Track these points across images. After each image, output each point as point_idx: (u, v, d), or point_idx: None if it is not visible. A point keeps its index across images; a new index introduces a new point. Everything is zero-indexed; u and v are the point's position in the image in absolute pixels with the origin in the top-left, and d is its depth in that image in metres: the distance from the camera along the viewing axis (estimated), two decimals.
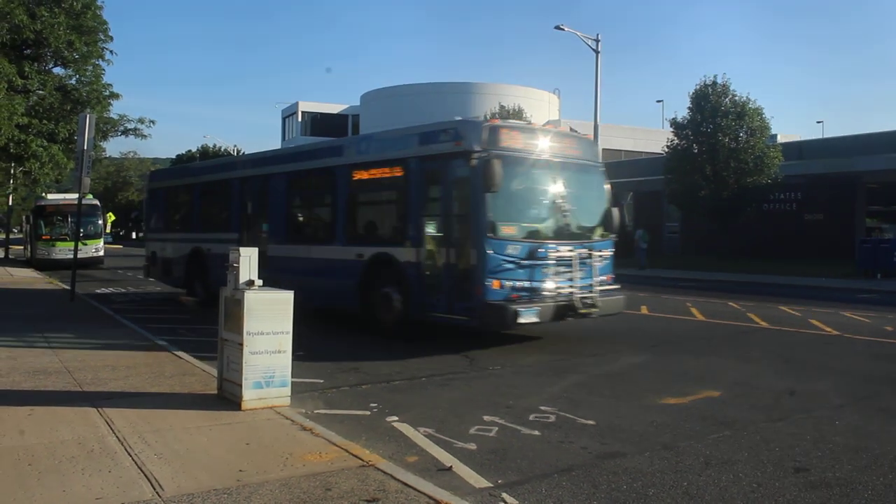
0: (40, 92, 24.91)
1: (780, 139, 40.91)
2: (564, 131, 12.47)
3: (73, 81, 25.88)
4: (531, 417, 7.07)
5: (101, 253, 33.16)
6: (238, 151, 67.05)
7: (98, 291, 20.65)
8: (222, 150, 72.01)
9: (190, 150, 76.99)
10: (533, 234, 10.84)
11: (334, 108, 73.52)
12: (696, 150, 33.24)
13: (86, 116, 16.89)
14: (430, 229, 11.29)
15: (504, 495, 5.05)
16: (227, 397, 7.27)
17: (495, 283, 10.22)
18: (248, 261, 7.35)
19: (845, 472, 5.59)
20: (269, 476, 5.14)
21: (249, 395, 6.95)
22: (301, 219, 15.29)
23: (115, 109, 28.63)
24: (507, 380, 8.98)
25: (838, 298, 19.34)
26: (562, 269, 10.75)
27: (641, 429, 6.74)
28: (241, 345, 6.93)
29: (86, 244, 29.66)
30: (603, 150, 19.74)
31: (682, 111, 35.72)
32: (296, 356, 7.32)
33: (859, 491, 5.19)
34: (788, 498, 5.06)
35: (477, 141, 10.55)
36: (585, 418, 7.04)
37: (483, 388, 8.51)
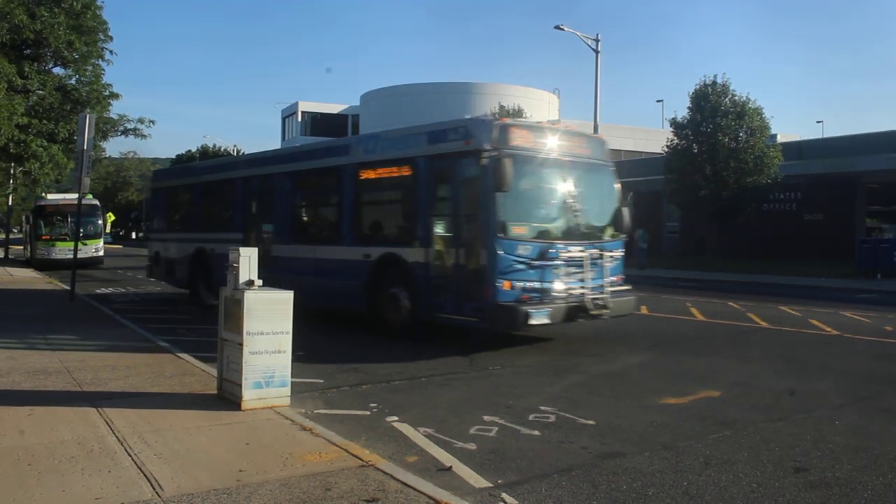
0: (40, 92, 24.89)
1: (780, 139, 40.93)
2: (574, 130, 12.31)
3: (72, 81, 25.86)
4: (531, 417, 7.07)
5: (101, 253, 33.17)
6: (238, 151, 67.06)
7: (98, 291, 20.64)
8: (222, 150, 72.03)
9: (190, 150, 77.05)
10: (543, 234, 10.73)
11: (334, 108, 73.53)
12: (695, 150, 33.26)
13: (85, 116, 16.89)
14: (439, 229, 11.17)
15: (504, 495, 5.05)
16: (226, 397, 7.27)
17: (506, 284, 10.10)
18: (247, 261, 7.34)
19: (845, 472, 5.59)
20: (269, 476, 5.14)
21: (249, 395, 6.95)
22: (306, 219, 15.15)
23: (115, 109, 28.58)
24: (507, 380, 8.98)
25: (838, 298, 19.34)
26: (573, 269, 10.64)
27: (641, 429, 6.74)
28: (241, 345, 6.92)
29: (86, 244, 29.65)
30: None
31: (681, 111, 35.77)
32: (296, 356, 7.32)
33: (859, 491, 5.19)
34: (788, 498, 5.06)
35: (487, 140, 10.43)
36: (585, 418, 7.04)
37: (483, 388, 8.51)
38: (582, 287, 10.62)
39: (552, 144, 11.27)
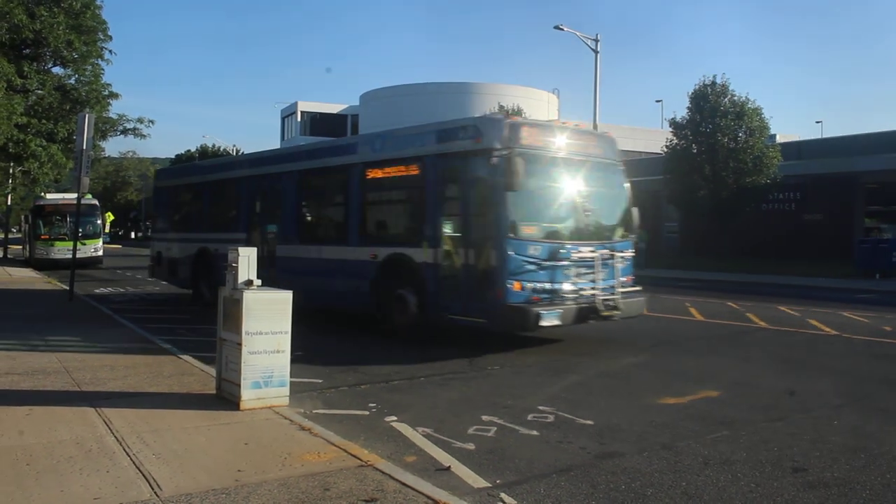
0: (39, 91, 24.88)
1: (779, 139, 40.94)
2: (584, 128, 12.10)
3: (72, 81, 25.85)
4: (530, 417, 7.07)
5: (100, 253, 33.18)
6: (237, 151, 67.06)
7: (97, 291, 20.64)
8: (221, 149, 72.05)
9: (189, 150, 77.12)
10: (554, 235, 10.62)
11: (334, 107, 73.49)
12: (695, 150, 33.27)
13: (85, 116, 16.88)
14: (448, 229, 11.01)
15: (502, 495, 5.05)
16: (225, 397, 7.27)
17: (516, 285, 9.98)
18: (246, 260, 7.34)
19: (843, 471, 5.60)
20: (268, 476, 5.14)
21: (248, 395, 6.95)
22: (312, 218, 14.97)
23: (115, 109, 28.55)
24: (506, 380, 8.98)
25: (837, 298, 19.35)
26: (583, 270, 10.54)
27: (640, 429, 6.74)
28: (240, 345, 6.92)
29: (84, 244, 29.64)
30: None
31: (681, 111, 35.76)
32: (294, 356, 7.33)
33: (857, 491, 5.19)
34: (787, 498, 5.06)
35: (498, 138, 10.33)
36: (584, 418, 7.04)
37: (482, 388, 8.51)
38: (593, 288, 10.53)
39: (563, 143, 11.14)
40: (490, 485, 5.27)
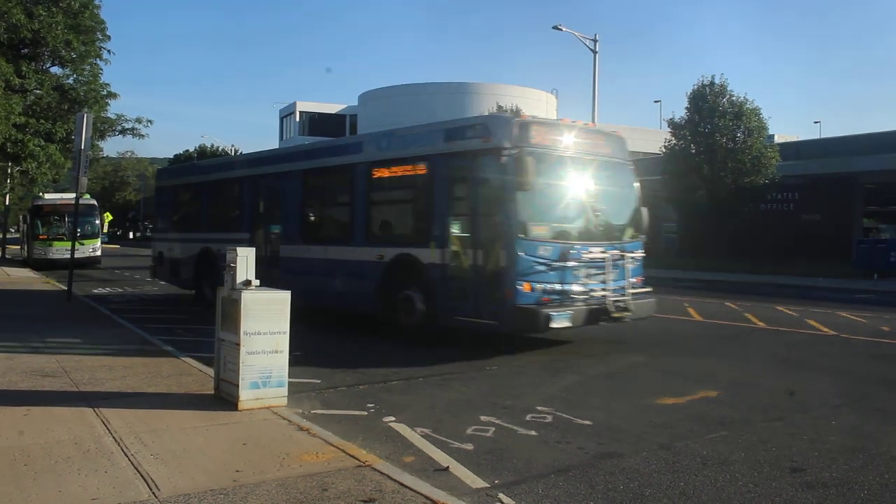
0: (38, 91, 24.86)
1: (778, 139, 41.02)
2: (594, 127, 11.87)
3: (70, 81, 25.82)
4: (528, 418, 7.07)
5: (99, 253, 33.17)
6: (235, 151, 67.00)
7: (95, 291, 20.63)
8: (220, 150, 72.00)
9: (188, 150, 77.03)
10: (564, 235, 10.48)
11: (332, 108, 73.47)
12: (693, 151, 33.30)
13: (83, 116, 16.87)
14: (456, 229, 10.88)
15: (501, 495, 5.05)
16: (223, 397, 7.26)
17: (526, 286, 9.83)
18: (245, 261, 7.33)
19: (842, 471, 5.60)
20: (266, 476, 5.14)
21: (246, 396, 6.94)
22: (316, 218, 14.80)
23: (113, 109, 28.57)
24: (504, 380, 8.98)
25: (835, 298, 19.38)
26: (594, 271, 10.40)
27: (638, 429, 6.74)
28: (238, 345, 6.92)
29: (83, 244, 29.63)
30: None
31: (679, 111, 35.79)
32: (293, 356, 7.33)
33: (855, 491, 5.19)
34: (785, 498, 5.06)
35: (507, 137, 10.19)
36: (582, 418, 7.04)
37: (480, 388, 8.51)
38: (603, 289, 10.40)
39: (573, 142, 10.98)
40: (488, 485, 5.27)
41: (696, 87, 33.84)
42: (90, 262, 31.68)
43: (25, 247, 35.58)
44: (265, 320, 7.00)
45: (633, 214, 11.75)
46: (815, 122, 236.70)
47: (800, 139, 45.23)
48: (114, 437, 6.02)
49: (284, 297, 7.15)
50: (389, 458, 5.72)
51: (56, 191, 38.40)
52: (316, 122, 71.36)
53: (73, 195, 18.70)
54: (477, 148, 10.55)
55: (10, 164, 31.03)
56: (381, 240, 12.35)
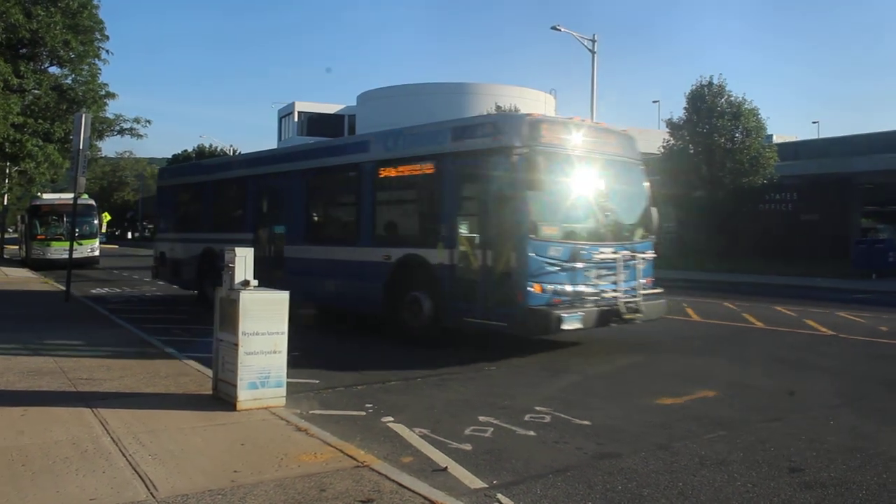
0: (36, 91, 24.86)
1: (776, 139, 41.04)
2: (604, 126, 11.78)
3: (69, 81, 25.83)
4: (526, 418, 7.07)
5: (97, 253, 33.12)
6: (234, 151, 66.95)
7: (93, 292, 20.61)
8: (218, 150, 71.96)
9: (186, 150, 77.02)
10: (575, 235, 10.34)
11: (331, 108, 73.41)
12: (691, 151, 33.33)
13: (81, 116, 16.85)
14: (465, 230, 10.71)
15: (499, 496, 5.05)
16: (222, 398, 7.25)
17: (537, 287, 9.68)
18: (243, 261, 7.33)
19: (840, 471, 5.60)
20: (264, 477, 5.14)
21: (244, 396, 6.94)
22: (322, 218, 14.64)
23: (111, 109, 28.61)
24: (503, 380, 8.98)
25: (833, 298, 19.39)
26: (604, 271, 10.28)
27: (637, 429, 6.74)
28: (237, 345, 6.91)
29: (81, 244, 29.62)
30: None
31: (678, 111, 35.85)
32: (291, 356, 7.32)
33: (853, 491, 5.20)
34: (783, 498, 5.07)
35: (517, 136, 10.05)
36: (581, 419, 7.04)
37: (478, 388, 8.50)
38: (614, 290, 10.29)
39: (584, 141, 10.77)
40: (487, 485, 5.27)
41: (694, 87, 33.92)
42: (88, 263, 31.64)
43: (24, 247, 35.56)
44: (263, 321, 6.99)
45: (644, 214, 11.60)
46: (814, 123, 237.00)
47: (798, 139, 45.26)
48: (112, 438, 6.02)
49: (283, 297, 7.15)
50: (388, 459, 5.72)
51: (54, 191, 38.39)
52: (314, 123, 71.30)
53: (71, 195, 18.68)
54: (487, 147, 10.40)
55: (8, 163, 31.03)
56: (388, 240, 12.19)
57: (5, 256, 39.61)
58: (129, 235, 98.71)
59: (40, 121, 24.32)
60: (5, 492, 4.79)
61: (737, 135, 32.67)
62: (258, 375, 6.99)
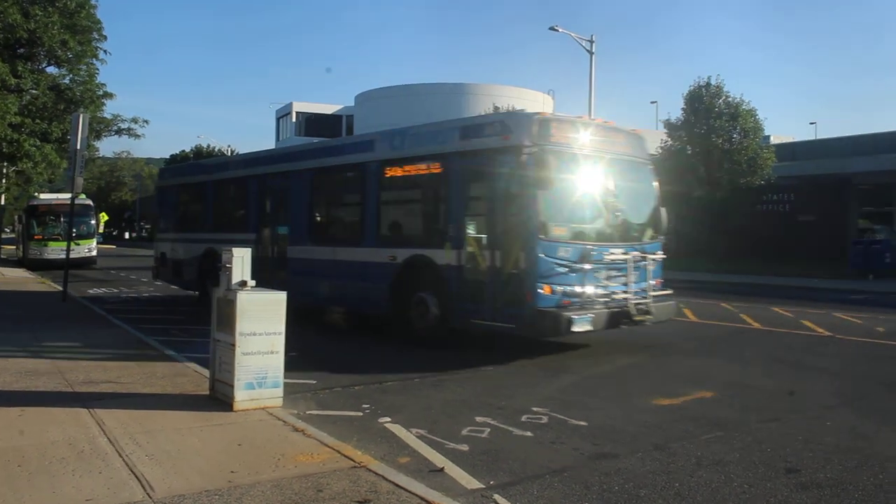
0: (33, 91, 24.85)
1: (773, 140, 41.10)
2: (613, 125, 11.64)
3: (66, 81, 25.83)
4: (523, 418, 7.07)
5: (94, 253, 33.08)
6: (232, 151, 66.95)
7: (90, 292, 20.59)
8: (216, 150, 71.93)
9: (184, 150, 76.97)
10: (584, 236, 10.22)
11: (328, 108, 73.41)
12: (689, 152, 33.36)
13: (79, 116, 16.84)
14: (473, 230, 10.58)
15: (496, 496, 5.05)
16: (219, 398, 7.25)
17: (546, 289, 9.56)
18: (240, 261, 7.32)
19: (836, 472, 5.61)
20: (261, 477, 5.13)
21: (241, 396, 6.93)
22: (326, 218, 14.52)
23: (109, 109, 28.56)
24: (500, 380, 8.97)
25: (830, 299, 19.42)
26: (614, 272, 10.19)
27: (633, 430, 6.75)
28: (234, 345, 6.91)
29: (78, 244, 29.57)
30: None
31: (675, 112, 35.85)
32: (288, 357, 7.31)
33: (850, 491, 5.20)
34: (780, 498, 5.07)
35: (527, 135, 9.90)
36: (577, 419, 7.04)
37: (475, 388, 8.50)
38: (625, 292, 10.21)
39: (593, 140, 10.62)
40: (483, 486, 5.27)
41: (692, 87, 33.94)
42: (86, 263, 31.61)
43: (21, 247, 35.48)
44: (261, 321, 6.99)
45: (653, 214, 11.48)
46: (811, 124, 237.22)
47: (795, 140, 45.33)
48: (108, 438, 6.01)
49: (280, 297, 7.15)
50: (384, 459, 5.72)
51: (52, 191, 38.30)
52: (312, 123, 71.28)
53: (68, 195, 18.66)
54: (495, 146, 10.28)
55: (5, 163, 30.97)
56: (394, 240, 12.05)
57: (2, 256, 39.56)
58: (127, 236, 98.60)
59: (38, 121, 24.31)
60: (1, 493, 4.78)
61: (734, 135, 32.71)
62: (255, 376, 6.98)
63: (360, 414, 7.27)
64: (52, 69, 26.11)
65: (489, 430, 6.69)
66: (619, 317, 10.08)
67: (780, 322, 14.63)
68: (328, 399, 7.92)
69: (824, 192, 33.56)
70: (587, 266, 9.88)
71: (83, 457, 5.53)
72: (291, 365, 7.65)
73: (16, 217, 50.96)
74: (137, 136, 29.61)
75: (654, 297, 10.64)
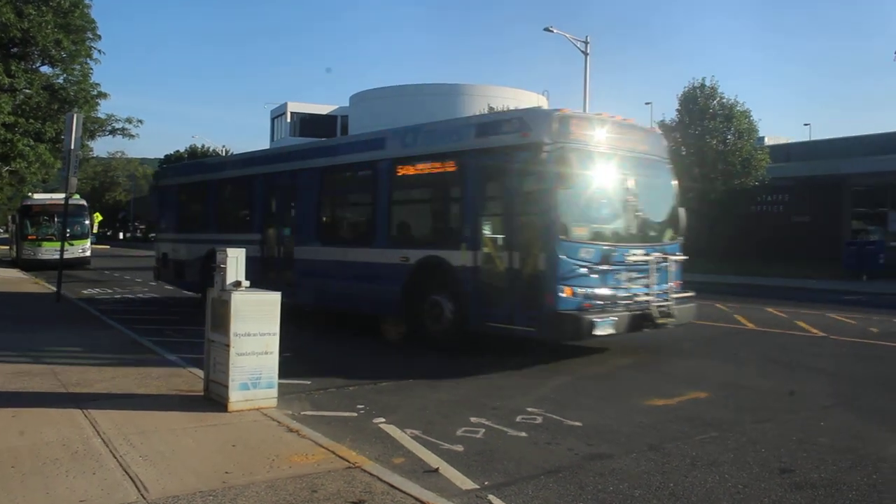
0: (27, 91, 24.78)
1: (768, 141, 41.21)
2: (632, 123, 11.37)
3: (60, 80, 25.79)
4: (518, 419, 7.07)
5: (88, 253, 32.98)
6: (226, 151, 66.91)
7: (85, 292, 20.52)
8: (211, 150, 71.88)
9: (178, 151, 76.89)
10: (605, 236, 10.01)
11: (323, 108, 73.40)
12: (683, 153, 33.41)
13: (73, 116, 16.79)
14: (489, 230, 10.31)
15: (490, 497, 5.05)
16: (213, 399, 7.24)
17: (567, 291, 9.28)
18: (235, 261, 7.31)
19: (830, 472, 5.62)
20: (256, 478, 5.13)
21: (236, 397, 6.92)
22: (334, 218, 14.19)
23: (103, 109, 28.51)
24: (494, 381, 8.97)
25: (825, 300, 19.46)
26: (636, 274, 9.95)
27: (628, 430, 6.75)
28: (228, 346, 6.90)
29: (72, 244, 29.45)
30: None
31: (670, 113, 35.94)
32: (283, 357, 7.30)
33: (844, 491, 5.22)
34: (774, 498, 5.08)
35: (547, 132, 9.63)
36: (572, 419, 7.05)
37: (470, 389, 8.50)
38: (647, 294, 9.98)
39: (613, 138, 10.37)
40: (478, 486, 5.27)
41: (686, 88, 34.00)
42: (80, 263, 31.50)
43: (14, 247, 35.37)
44: (255, 321, 6.98)
45: (672, 214, 11.28)
46: (805, 125, 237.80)
47: (789, 141, 45.46)
48: (102, 439, 5.99)
49: (274, 298, 7.14)
50: (379, 460, 5.72)
51: (45, 191, 38.21)
52: (307, 123, 71.26)
53: (62, 195, 18.59)
54: (513, 143, 9.98)
55: None
56: (406, 241, 11.75)
57: None
58: (121, 236, 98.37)
59: (31, 120, 24.24)
60: None
61: (729, 137, 32.80)
62: (250, 376, 6.97)
63: (355, 414, 7.27)
64: (45, 69, 26.08)
65: (484, 430, 6.69)
66: (640, 320, 9.84)
67: (775, 322, 14.67)
68: (323, 399, 7.91)
69: (818, 193, 33.65)
70: (609, 267, 9.65)
71: (77, 458, 5.51)
72: (286, 365, 7.65)
73: (9, 217, 50.85)
74: (132, 136, 29.60)
75: (675, 299, 10.41)
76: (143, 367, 9.08)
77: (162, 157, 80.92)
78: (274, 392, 7.13)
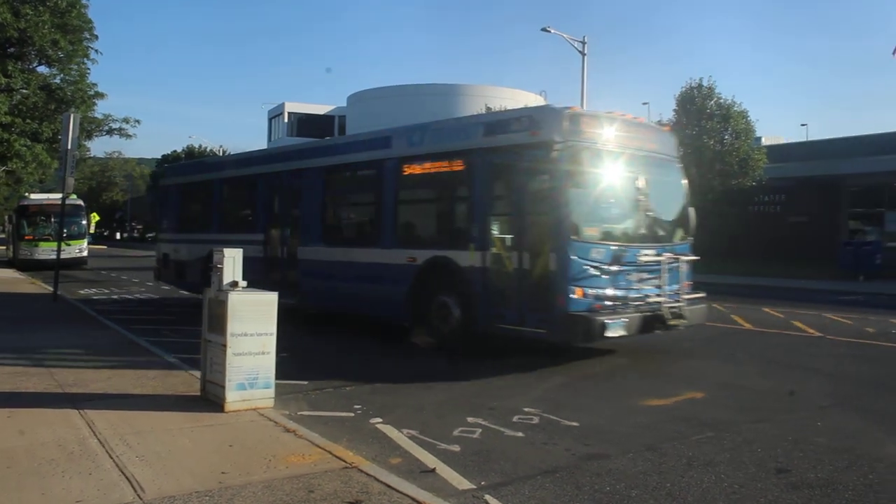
0: (24, 91, 24.76)
1: (765, 142, 41.25)
2: (642, 121, 11.12)
3: (57, 80, 25.77)
4: (515, 419, 7.07)
5: (85, 253, 32.94)
6: (224, 151, 66.85)
7: (82, 293, 20.50)
8: (208, 150, 71.83)
9: (175, 151, 76.85)
10: (616, 236, 9.91)
11: (320, 108, 73.33)
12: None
13: (70, 116, 16.78)
14: (498, 230, 10.16)
15: (487, 497, 5.05)
16: (210, 399, 7.23)
17: (578, 292, 9.16)
18: (232, 262, 7.30)
19: (827, 472, 5.63)
20: (252, 478, 5.12)
21: (232, 397, 6.91)
22: (339, 218, 14.07)
23: (100, 109, 28.51)
24: (492, 381, 8.96)
25: (821, 300, 19.49)
26: (647, 275, 9.86)
27: (625, 430, 6.76)
28: (225, 346, 6.89)
29: (69, 244, 29.43)
30: None
31: (667, 113, 35.98)
32: (280, 357, 7.29)
33: (840, 491, 5.22)
34: (770, 498, 5.09)
35: (558, 130, 9.45)
36: (569, 420, 7.05)
37: (467, 389, 8.50)
38: (658, 295, 9.87)
39: (624, 136, 10.23)
40: (475, 486, 5.26)
41: (684, 89, 34.04)
42: (77, 263, 31.45)
43: (11, 247, 35.32)
44: (252, 321, 6.97)
45: (682, 214, 11.20)
46: (802, 125, 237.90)
47: (786, 142, 45.53)
48: (98, 439, 5.98)
49: (271, 298, 7.13)
50: (376, 460, 5.71)
51: (42, 191, 38.17)
52: (304, 123, 71.18)
53: (59, 195, 18.58)
54: (523, 142, 9.82)
55: None
56: (413, 241, 11.60)
57: None
58: (118, 236, 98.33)
59: (28, 120, 24.22)
60: None
61: (726, 137, 32.84)
62: (246, 376, 6.96)
63: (352, 414, 7.26)
64: (42, 69, 26.07)
65: (480, 430, 6.69)
66: (652, 321, 9.72)
67: (771, 323, 14.68)
68: (319, 400, 7.90)
69: (815, 193, 33.70)
70: (620, 268, 9.55)
71: (73, 458, 5.50)
72: (283, 366, 7.64)
73: (6, 217, 50.77)
74: (129, 136, 29.61)
75: (686, 300, 10.30)
76: (139, 367, 9.06)
77: (159, 157, 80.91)
78: (271, 392, 7.13)
